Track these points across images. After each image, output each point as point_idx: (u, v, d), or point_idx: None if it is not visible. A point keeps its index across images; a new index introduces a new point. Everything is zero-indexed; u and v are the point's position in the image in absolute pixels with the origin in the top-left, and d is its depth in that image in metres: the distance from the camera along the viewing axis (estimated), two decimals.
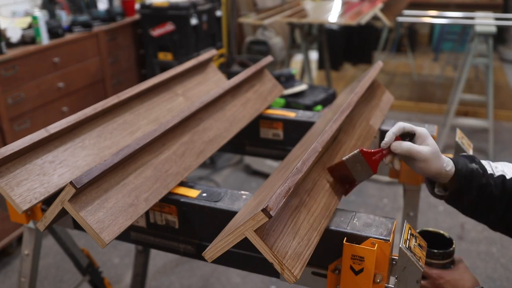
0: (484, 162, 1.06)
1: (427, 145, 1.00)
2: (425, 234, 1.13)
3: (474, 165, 1.02)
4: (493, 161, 1.08)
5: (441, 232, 1.15)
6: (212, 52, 1.76)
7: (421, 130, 1.02)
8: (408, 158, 1.01)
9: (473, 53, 3.49)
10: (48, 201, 1.09)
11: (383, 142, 1.01)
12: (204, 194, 1.11)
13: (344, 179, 1.07)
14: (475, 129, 3.85)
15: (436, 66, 5.94)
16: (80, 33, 2.80)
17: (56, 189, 1.06)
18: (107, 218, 0.93)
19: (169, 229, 1.14)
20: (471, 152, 1.38)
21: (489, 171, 1.02)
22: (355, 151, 1.03)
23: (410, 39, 6.23)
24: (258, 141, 1.65)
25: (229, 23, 4.03)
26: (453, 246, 1.11)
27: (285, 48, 4.85)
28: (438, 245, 1.10)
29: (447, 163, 1.01)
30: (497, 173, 1.02)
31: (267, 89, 1.67)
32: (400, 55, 6.30)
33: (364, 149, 1.02)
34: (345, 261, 0.92)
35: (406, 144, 1.00)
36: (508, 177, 1.01)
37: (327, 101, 3.06)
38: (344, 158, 1.03)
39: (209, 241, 0.94)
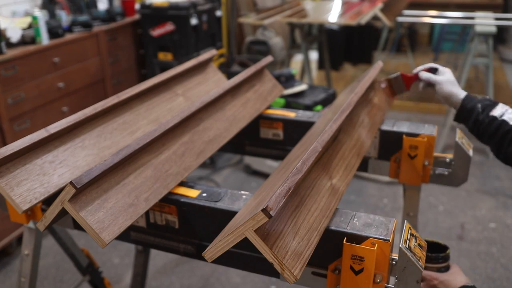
0: (500, 107, 1.27)
1: (443, 76, 1.39)
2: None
3: (479, 105, 1.30)
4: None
5: (436, 241, 1.23)
6: (212, 52, 1.76)
7: (442, 68, 1.43)
8: (430, 84, 1.43)
9: (473, 53, 3.49)
10: (48, 201, 1.10)
11: (414, 70, 1.49)
12: (204, 194, 1.11)
13: (388, 93, 1.58)
14: None
15: None
16: (80, 33, 2.80)
17: (56, 189, 1.06)
18: (107, 218, 0.93)
19: (169, 229, 1.14)
20: (471, 153, 1.38)
21: (494, 113, 1.26)
22: (397, 73, 1.55)
23: (410, 39, 6.23)
24: (258, 141, 1.65)
25: (229, 23, 4.03)
26: (448, 251, 1.18)
27: (285, 48, 4.85)
28: (434, 253, 1.18)
29: (460, 92, 1.35)
30: (503, 118, 1.25)
31: (267, 89, 1.67)
32: (400, 55, 6.30)
33: (403, 73, 1.54)
34: (345, 261, 0.92)
35: (427, 74, 1.44)
36: (510, 123, 1.23)
37: (327, 101, 3.06)
38: (390, 76, 1.56)
39: (209, 241, 0.94)
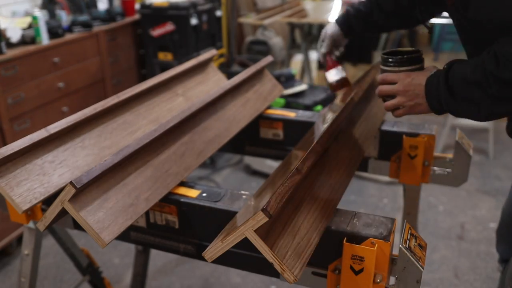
0: None
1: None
2: (397, 53, 1.17)
3: None
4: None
5: (410, 48, 1.20)
6: (212, 52, 1.76)
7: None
8: None
9: None
10: (48, 201, 1.09)
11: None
12: (204, 194, 1.11)
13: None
14: (475, 129, 3.85)
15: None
16: (80, 33, 2.80)
17: (56, 189, 1.06)
18: (107, 218, 0.93)
19: (169, 229, 1.14)
20: (471, 153, 1.38)
21: None
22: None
23: (410, 39, 6.22)
24: (258, 141, 1.65)
25: (229, 23, 4.03)
26: (419, 53, 1.16)
27: (285, 48, 4.85)
28: None
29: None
30: None
31: (267, 89, 1.67)
32: None
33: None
34: (345, 261, 0.92)
35: None
36: None
37: (327, 101, 3.06)
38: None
39: (209, 241, 0.94)
